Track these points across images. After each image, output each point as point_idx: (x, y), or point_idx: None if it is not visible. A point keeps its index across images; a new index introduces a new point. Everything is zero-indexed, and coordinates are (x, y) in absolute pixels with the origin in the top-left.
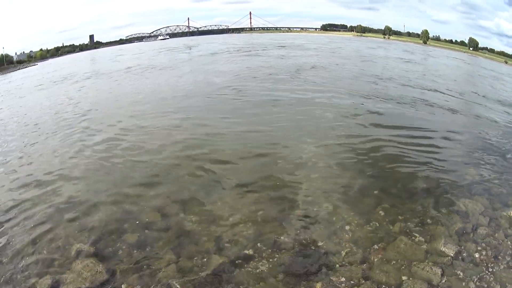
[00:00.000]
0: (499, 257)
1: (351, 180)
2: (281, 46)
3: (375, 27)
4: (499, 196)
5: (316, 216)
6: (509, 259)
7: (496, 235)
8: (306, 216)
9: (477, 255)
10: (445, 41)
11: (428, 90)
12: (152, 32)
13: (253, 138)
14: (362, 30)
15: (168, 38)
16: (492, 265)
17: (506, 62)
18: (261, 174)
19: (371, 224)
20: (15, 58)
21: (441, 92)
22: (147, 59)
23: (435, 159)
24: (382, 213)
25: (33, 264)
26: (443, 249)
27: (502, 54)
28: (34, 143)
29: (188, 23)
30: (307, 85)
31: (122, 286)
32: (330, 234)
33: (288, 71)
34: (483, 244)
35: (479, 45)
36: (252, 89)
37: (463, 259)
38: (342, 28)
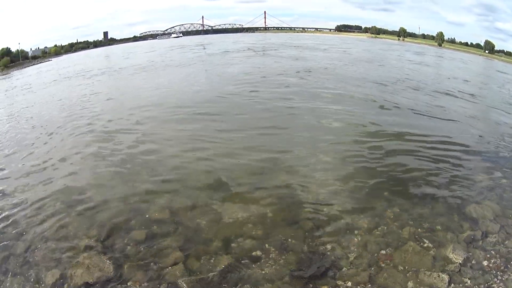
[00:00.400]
0: (509, 266)
1: (361, 183)
2: (294, 47)
3: (390, 28)
4: (509, 203)
5: (325, 218)
6: None
7: (507, 242)
8: (315, 218)
9: (485, 263)
10: (460, 43)
11: (442, 94)
12: (166, 30)
13: (264, 139)
14: (377, 31)
15: (181, 36)
16: (501, 273)
17: None
18: (271, 175)
19: (380, 228)
20: (30, 54)
21: (454, 96)
22: (160, 57)
23: (446, 163)
24: (392, 217)
25: (42, 257)
26: (451, 256)
27: None
28: (46, 139)
29: (203, 21)
30: (318, 87)
31: (129, 283)
32: (339, 237)
33: (299, 73)
34: (493, 252)
35: (495, 48)
36: (263, 90)
37: (471, 267)
38: (357, 29)
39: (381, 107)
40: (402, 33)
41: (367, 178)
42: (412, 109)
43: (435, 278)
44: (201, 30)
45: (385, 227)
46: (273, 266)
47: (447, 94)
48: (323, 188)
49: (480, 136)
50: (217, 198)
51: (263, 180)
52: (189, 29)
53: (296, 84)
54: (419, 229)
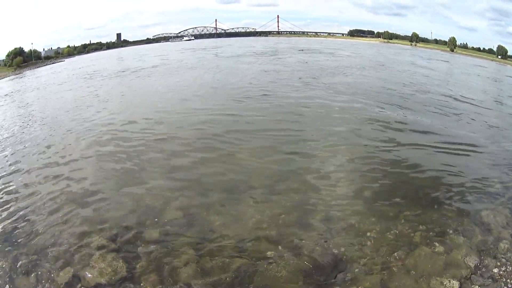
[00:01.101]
0: None
1: (374, 187)
2: (304, 51)
3: (402, 33)
4: None
5: (338, 221)
6: None
7: None
8: (328, 221)
9: (496, 270)
10: (473, 48)
11: (453, 99)
12: (179, 33)
13: (277, 142)
14: (389, 36)
15: (193, 39)
16: (511, 282)
17: None
18: (285, 178)
19: (392, 232)
20: (42, 54)
21: (466, 102)
22: (173, 60)
23: (459, 168)
24: (403, 221)
25: (54, 256)
26: (462, 261)
27: None
28: (60, 138)
29: (216, 25)
30: (328, 91)
31: (142, 283)
32: (351, 240)
33: (310, 76)
34: (503, 260)
35: (508, 53)
36: (276, 93)
37: (481, 274)
38: (369, 34)
39: (396, 113)
40: (415, 38)
41: (379, 182)
42: (424, 115)
43: (446, 284)
44: (214, 34)
45: (397, 231)
46: (286, 268)
47: (458, 100)
48: (336, 191)
49: (495, 142)
50: (231, 199)
51: (277, 182)
52: (202, 32)
53: (306, 89)
54: (431, 233)
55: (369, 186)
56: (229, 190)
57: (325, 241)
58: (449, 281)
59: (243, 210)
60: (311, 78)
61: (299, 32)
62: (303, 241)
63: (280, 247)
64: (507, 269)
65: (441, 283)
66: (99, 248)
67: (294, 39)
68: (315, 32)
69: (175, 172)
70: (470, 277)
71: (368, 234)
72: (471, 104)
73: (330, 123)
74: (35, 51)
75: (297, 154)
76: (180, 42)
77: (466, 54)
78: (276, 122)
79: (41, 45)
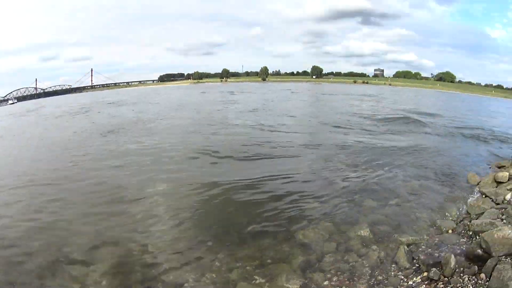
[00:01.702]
0: (355, 278)
1: (183, 235)
2: (112, 104)
3: (214, 71)
4: (343, 219)
5: (153, 281)
6: (368, 277)
7: (347, 257)
8: (147, 280)
9: (326, 283)
10: (286, 74)
11: (260, 130)
12: (5, 96)
13: (93, 201)
14: (199, 76)
15: (16, 102)
16: None
17: (355, 82)
18: (103, 238)
19: (208, 276)
20: None
21: (276, 131)
22: None
23: (270, 195)
24: (218, 263)
25: None
26: (286, 286)
27: (350, 75)
28: None
29: (36, 84)
30: (132, 143)
31: None
32: None
33: (112, 129)
34: (333, 271)
35: (324, 71)
36: (85, 149)
37: None
38: (180, 76)
39: (202, 155)
40: (225, 74)
41: (188, 229)
42: (232, 151)
43: None
44: (34, 94)
45: (213, 275)
46: None
47: (268, 130)
48: (148, 248)
49: (306, 161)
50: (49, 270)
51: (95, 244)
52: (25, 94)
53: (112, 144)
54: (249, 268)
55: (178, 236)
56: (47, 261)
57: None
58: None
59: (63, 278)
60: (117, 131)
61: (112, 84)
62: None
63: None
64: (340, 278)
65: None
66: None
67: (106, 92)
68: (126, 82)
69: None
70: None
71: (186, 284)
72: (280, 131)
73: (139, 181)
74: None
75: (112, 211)
76: (6, 106)
77: (279, 81)
78: (85, 183)
79: None
